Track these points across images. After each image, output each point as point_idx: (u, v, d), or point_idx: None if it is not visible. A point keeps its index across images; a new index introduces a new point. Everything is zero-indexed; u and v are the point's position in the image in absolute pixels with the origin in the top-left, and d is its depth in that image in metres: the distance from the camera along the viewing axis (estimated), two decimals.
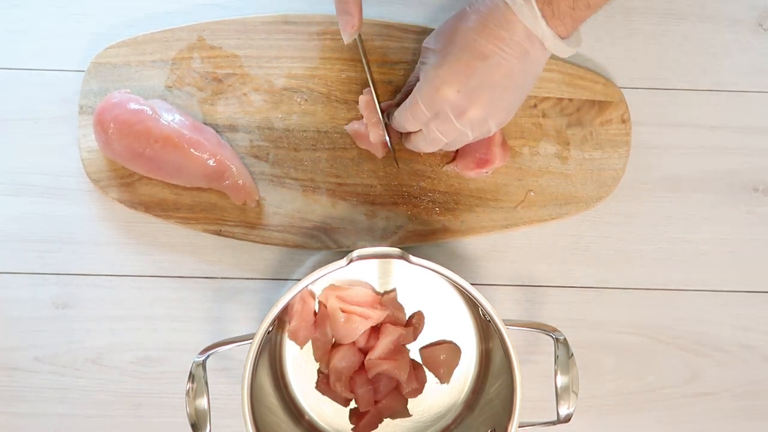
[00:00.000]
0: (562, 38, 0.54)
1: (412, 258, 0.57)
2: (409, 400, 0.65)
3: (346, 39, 0.60)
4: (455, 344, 0.66)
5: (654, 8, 0.70)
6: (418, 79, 0.58)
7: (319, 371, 0.65)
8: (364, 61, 0.64)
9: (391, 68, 0.67)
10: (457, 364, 0.66)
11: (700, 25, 0.70)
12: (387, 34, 0.67)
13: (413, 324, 0.65)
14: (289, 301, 0.57)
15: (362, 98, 0.64)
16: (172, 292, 0.67)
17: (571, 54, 0.56)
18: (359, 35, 0.62)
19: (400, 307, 0.65)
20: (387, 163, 0.66)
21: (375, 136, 0.64)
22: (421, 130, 0.60)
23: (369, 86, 0.64)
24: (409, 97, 0.59)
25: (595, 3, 0.53)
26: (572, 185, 0.67)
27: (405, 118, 0.59)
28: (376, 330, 0.64)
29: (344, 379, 0.63)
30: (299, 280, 0.58)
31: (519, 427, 0.56)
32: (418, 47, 0.66)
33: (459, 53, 0.54)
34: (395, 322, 0.64)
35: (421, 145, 0.61)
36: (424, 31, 0.67)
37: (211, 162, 0.63)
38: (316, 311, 0.65)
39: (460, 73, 0.55)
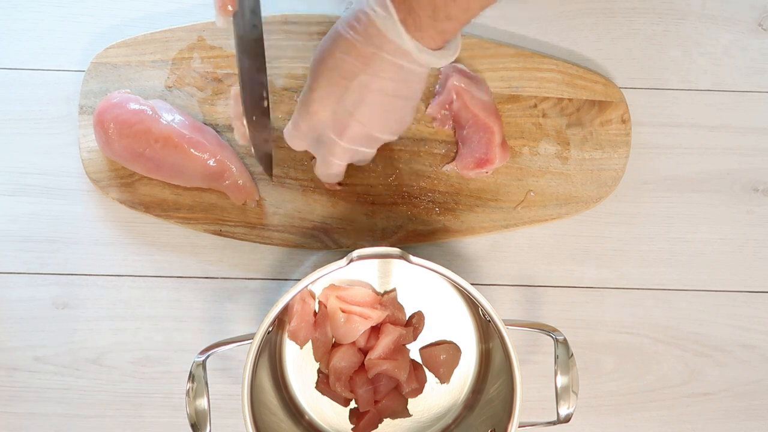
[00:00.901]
0: (433, 49, 0.52)
1: (412, 258, 0.57)
2: (409, 400, 0.65)
3: (220, 22, 0.56)
4: (455, 344, 0.66)
5: (654, 8, 0.70)
6: None
7: (319, 371, 0.65)
8: (236, 50, 0.57)
9: None
10: (457, 364, 0.66)
11: (700, 25, 0.70)
12: None
13: (413, 324, 0.65)
14: (289, 301, 0.57)
15: (233, 89, 0.60)
16: (172, 292, 0.67)
17: (448, 63, 0.53)
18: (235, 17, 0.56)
19: (400, 307, 0.65)
20: (387, 164, 0.66)
21: (238, 129, 0.60)
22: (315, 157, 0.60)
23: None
24: (291, 119, 0.58)
25: (455, 15, 0.50)
26: (572, 185, 0.67)
27: (291, 137, 0.59)
28: (376, 330, 0.64)
29: (344, 379, 0.63)
30: (299, 280, 0.58)
31: (519, 427, 0.56)
32: None
33: (329, 74, 0.54)
34: (395, 322, 0.64)
35: (321, 170, 0.61)
36: None
37: (211, 162, 0.63)
38: (316, 311, 0.65)
39: (332, 95, 0.54)
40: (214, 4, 0.55)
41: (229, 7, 0.55)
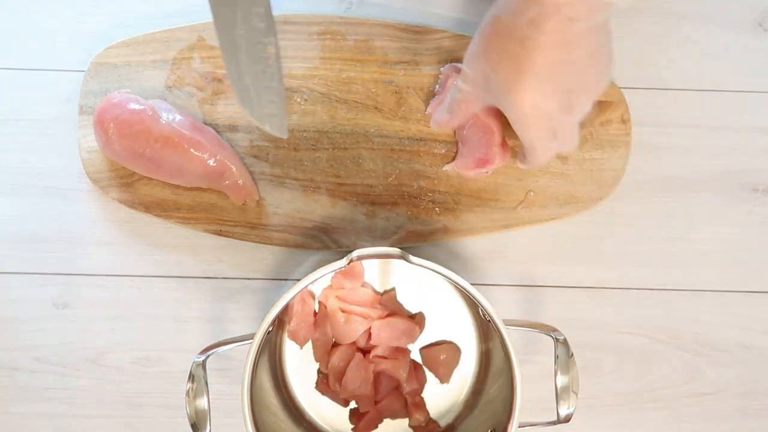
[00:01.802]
0: None
1: (412, 258, 0.57)
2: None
3: None
4: (455, 344, 0.66)
5: (654, 8, 0.70)
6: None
7: (319, 371, 0.66)
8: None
9: (391, 68, 0.67)
10: (457, 364, 0.66)
11: (700, 25, 0.70)
12: (387, 34, 0.67)
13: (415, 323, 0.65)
14: (289, 301, 0.57)
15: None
16: (172, 292, 0.67)
17: (624, 4, 0.51)
18: None
19: (400, 307, 0.65)
20: (387, 164, 0.66)
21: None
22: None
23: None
24: (525, 143, 0.57)
25: None
26: (572, 185, 0.67)
27: (541, 158, 0.58)
28: None
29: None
30: (299, 280, 0.58)
31: (519, 427, 0.56)
32: (418, 47, 0.67)
33: (527, 77, 0.51)
34: None
35: (546, 157, 0.59)
36: (425, 31, 0.67)
37: (211, 162, 0.63)
38: (316, 311, 0.65)
39: (548, 92, 0.52)
40: None
41: None
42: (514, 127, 0.56)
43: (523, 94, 0.52)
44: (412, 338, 0.64)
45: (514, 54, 0.51)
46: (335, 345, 0.64)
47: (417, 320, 0.65)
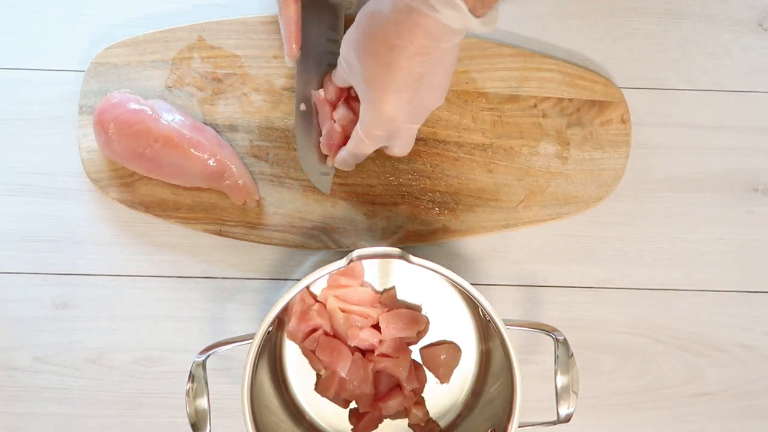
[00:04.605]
0: (477, 16, 0.50)
1: (412, 258, 0.57)
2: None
3: (288, 63, 0.64)
4: (455, 344, 0.66)
5: (654, 8, 0.70)
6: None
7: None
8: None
9: None
10: (457, 364, 0.66)
11: (700, 25, 0.70)
12: None
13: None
14: (289, 301, 0.57)
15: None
16: (172, 292, 0.67)
17: (485, 31, 0.52)
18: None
19: (399, 305, 0.65)
20: (387, 163, 0.66)
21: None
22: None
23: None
24: (355, 138, 0.59)
25: None
26: (572, 185, 0.67)
27: (362, 146, 0.60)
28: (376, 329, 0.64)
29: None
30: (299, 280, 0.58)
31: (519, 427, 0.56)
32: None
33: (396, 80, 0.53)
34: None
35: (400, 149, 0.62)
36: None
37: (211, 162, 0.63)
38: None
39: (405, 96, 0.55)
40: (285, 48, 0.62)
41: (294, 46, 0.62)
42: (360, 114, 0.58)
43: (384, 96, 0.55)
44: (420, 325, 0.64)
45: (382, 56, 0.53)
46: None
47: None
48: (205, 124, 0.66)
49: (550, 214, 0.67)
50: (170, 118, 0.63)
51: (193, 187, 0.65)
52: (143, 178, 0.65)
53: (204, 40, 0.67)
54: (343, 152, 0.62)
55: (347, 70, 0.58)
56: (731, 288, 0.69)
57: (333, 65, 0.62)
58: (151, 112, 0.62)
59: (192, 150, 0.62)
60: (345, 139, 0.62)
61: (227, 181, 0.64)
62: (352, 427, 0.65)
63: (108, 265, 0.67)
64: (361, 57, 0.55)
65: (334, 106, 0.63)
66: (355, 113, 0.61)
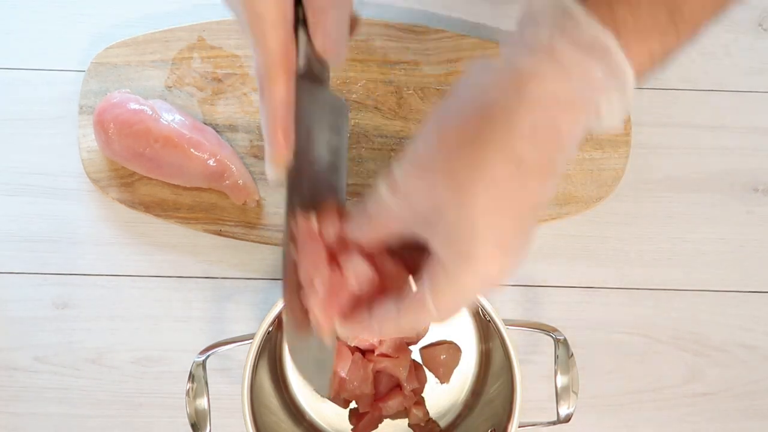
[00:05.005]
0: (638, 75, 0.34)
1: None
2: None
3: (271, 174, 0.40)
4: (455, 344, 0.66)
5: None
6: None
7: None
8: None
9: (392, 68, 0.67)
10: (457, 364, 0.65)
11: None
12: (387, 34, 0.67)
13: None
14: None
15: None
16: (172, 292, 0.67)
17: (620, 123, 0.36)
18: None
19: None
20: (387, 163, 0.66)
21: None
22: None
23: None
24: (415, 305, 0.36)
25: (690, 20, 0.33)
26: (572, 185, 0.67)
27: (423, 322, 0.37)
28: None
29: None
30: None
31: (519, 427, 0.56)
32: (418, 47, 0.66)
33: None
34: None
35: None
36: (425, 32, 0.66)
37: (211, 162, 0.63)
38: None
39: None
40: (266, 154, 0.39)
41: (282, 143, 0.39)
42: (434, 277, 0.35)
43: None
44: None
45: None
46: None
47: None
48: (205, 124, 0.66)
49: (550, 214, 0.67)
50: (170, 118, 0.63)
51: (193, 187, 0.65)
52: (143, 178, 0.65)
53: (204, 40, 0.67)
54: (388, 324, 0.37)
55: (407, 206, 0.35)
56: (731, 288, 0.69)
57: (334, 188, 0.41)
58: (151, 112, 0.62)
59: (192, 150, 0.62)
60: (360, 301, 0.38)
61: (227, 181, 0.63)
62: (352, 427, 0.65)
63: (108, 265, 0.67)
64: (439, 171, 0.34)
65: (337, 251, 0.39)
66: (380, 271, 0.38)
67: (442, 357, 0.65)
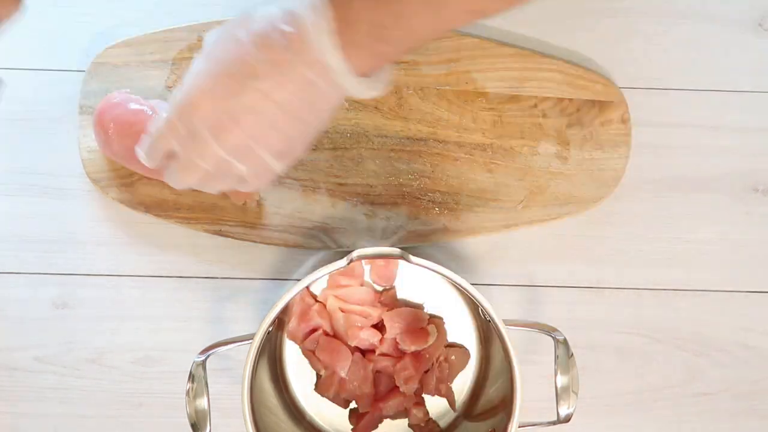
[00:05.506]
0: (359, 75, 0.45)
1: (412, 258, 0.57)
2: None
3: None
4: (466, 348, 0.65)
5: (654, 8, 0.70)
6: None
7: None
8: None
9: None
10: (463, 368, 0.65)
11: (700, 25, 0.70)
12: None
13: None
14: (289, 301, 0.57)
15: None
16: (172, 292, 0.67)
17: (369, 97, 0.47)
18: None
19: (399, 304, 0.65)
20: (387, 163, 0.66)
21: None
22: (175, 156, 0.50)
23: None
24: (156, 122, 0.50)
25: (397, 39, 0.44)
26: (572, 185, 0.67)
27: (160, 134, 0.49)
28: (376, 329, 0.64)
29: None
30: (299, 280, 0.58)
31: (519, 427, 0.56)
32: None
33: (226, 65, 0.46)
34: None
35: (178, 174, 0.51)
36: None
37: None
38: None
39: (222, 90, 0.46)
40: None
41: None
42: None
43: (211, 80, 0.47)
44: (422, 323, 0.64)
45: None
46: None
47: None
48: None
49: (550, 214, 0.67)
50: None
51: None
52: (143, 178, 0.65)
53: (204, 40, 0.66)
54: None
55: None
56: (731, 288, 0.69)
57: None
58: (151, 112, 0.62)
59: None
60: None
61: None
62: (352, 427, 0.65)
63: (108, 265, 0.67)
64: (215, 40, 0.48)
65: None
66: None
67: (452, 358, 0.65)
